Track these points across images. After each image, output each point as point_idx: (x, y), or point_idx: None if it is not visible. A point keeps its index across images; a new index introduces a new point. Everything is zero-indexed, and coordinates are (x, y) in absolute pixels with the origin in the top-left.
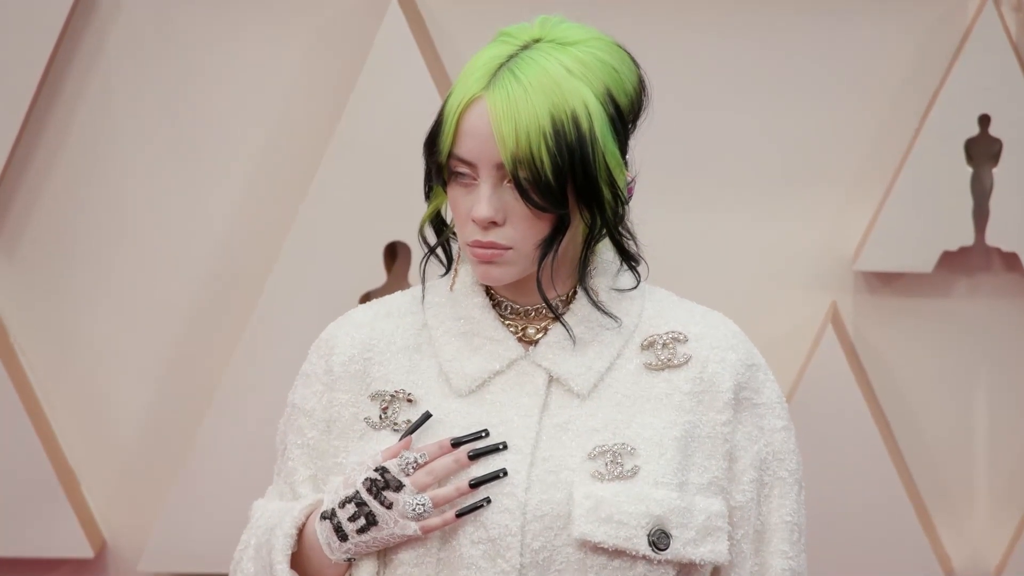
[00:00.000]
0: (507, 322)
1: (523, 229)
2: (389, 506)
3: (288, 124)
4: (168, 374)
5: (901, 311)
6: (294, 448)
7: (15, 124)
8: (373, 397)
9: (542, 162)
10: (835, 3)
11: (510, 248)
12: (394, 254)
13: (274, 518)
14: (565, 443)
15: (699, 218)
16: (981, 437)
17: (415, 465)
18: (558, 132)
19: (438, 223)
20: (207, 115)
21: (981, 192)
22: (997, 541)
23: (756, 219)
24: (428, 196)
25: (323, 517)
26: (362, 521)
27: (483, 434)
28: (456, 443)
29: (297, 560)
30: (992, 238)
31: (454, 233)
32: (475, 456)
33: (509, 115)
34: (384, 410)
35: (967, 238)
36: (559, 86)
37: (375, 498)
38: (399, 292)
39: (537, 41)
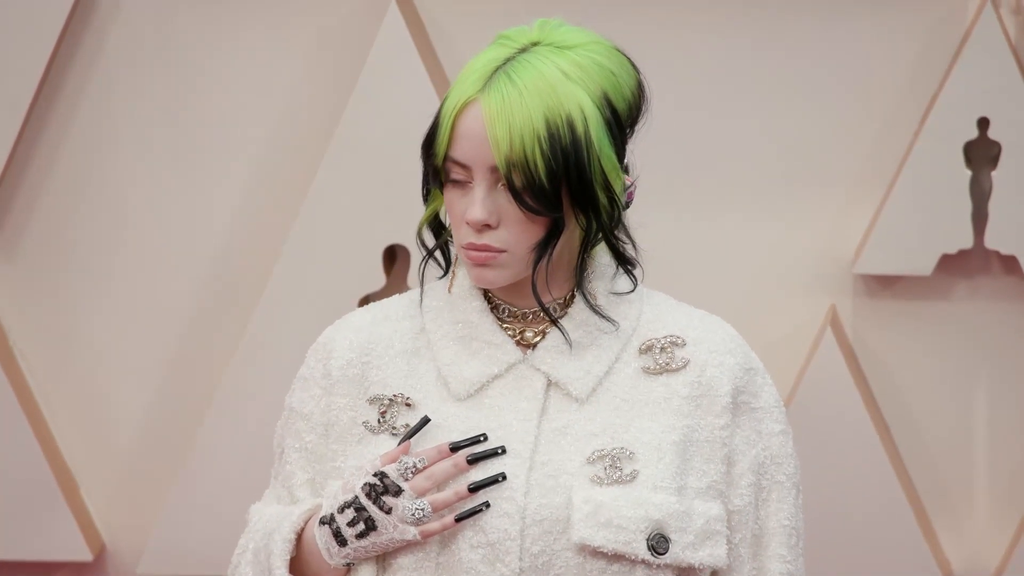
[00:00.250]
0: (505, 325)
1: (517, 232)
2: (388, 511)
3: (288, 126)
4: (168, 376)
5: (900, 314)
6: (292, 452)
7: (15, 125)
8: (371, 401)
9: (536, 165)
10: (834, 6)
11: (504, 251)
12: (393, 257)
13: (272, 523)
14: (564, 447)
15: (698, 220)
16: (980, 440)
17: (414, 470)
18: (552, 136)
19: (436, 225)
20: (207, 117)
21: (980, 195)
22: (996, 544)
23: (755, 221)
24: (426, 198)
25: (322, 522)
26: (361, 526)
27: (481, 438)
28: (455, 447)
29: (296, 565)
30: (991, 241)
31: (452, 235)
32: (474, 460)
33: (503, 118)
34: (382, 414)
35: (966, 241)
36: (554, 89)
37: (374, 503)
38: (397, 295)
39: (535, 44)
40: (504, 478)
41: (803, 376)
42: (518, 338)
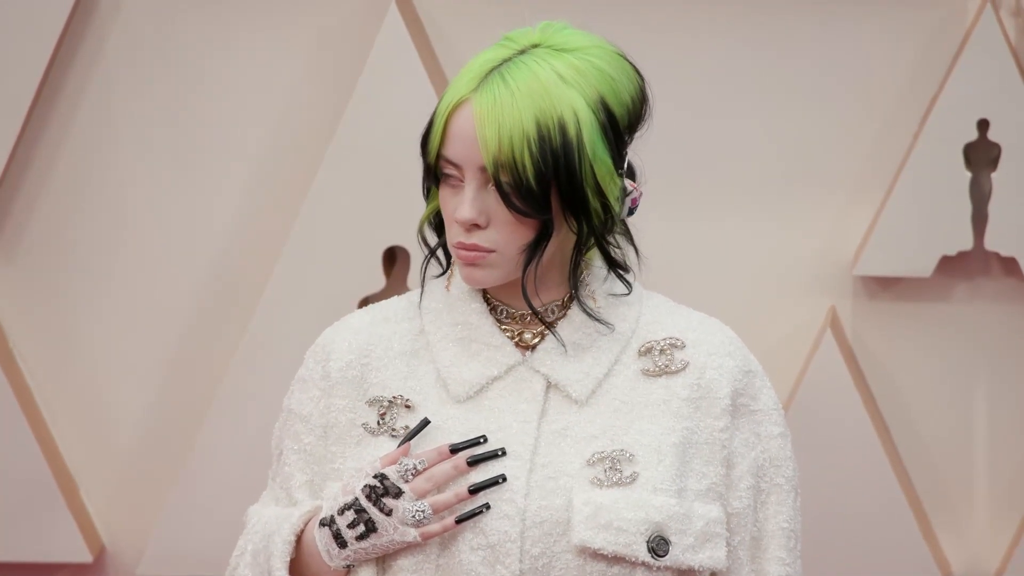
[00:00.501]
0: (503, 327)
1: (506, 233)
2: (389, 513)
3: (288, 127)
4: (168, 378)
5: (900, 315)
6: (290, 453)
7: (15, 126)
8: (371, 403)
9: (524, 167)
10: (834, 8)
11: (493, 251)
12: (393, 258)
13: (272, 524)
14: (564, 449)
15: (698, 222)
16: (980, 441)
17: (414, 471)
18: (543, 138)
19: (438, 223)
20: (207, 118)
21: (980, 196)
22: (996, 545)
23: (755, 223)
24: (427, 196)
25: (322, 524)
26: (361, 528)
27: (481, 440)
28: (455, 449)
29: (295, 567)
30: (991, 242)
31: None
32: (474, 462)
33: (493, 118)
34: (382, 416)
35: (966, 242)
36: (548, 91)
37: (374, 505)
38: (396, 297)
39: (536, 46)
40: (504, 480)
41: (803, 377)
42: (517, 340)
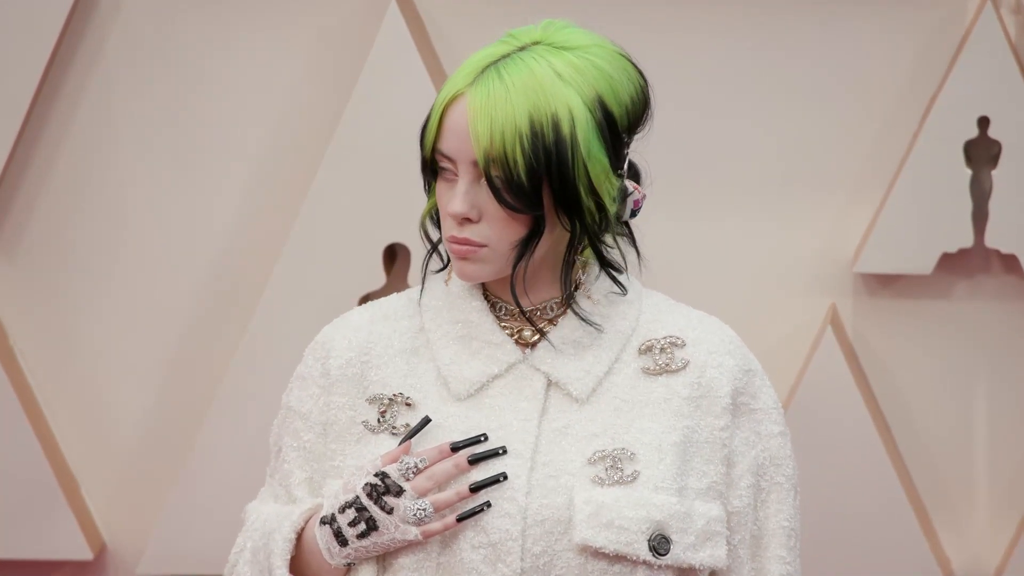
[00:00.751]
0: (503, 324)
1: (498, 228)
2: (390, 511)
3: (288, 126)
4: (168, 376)
5: (900, 313)
6: (290, 451)
7: (14, 126)
8: (371, 400)
9: (515, 162)
10: (834, 6)
11: (484, 246)
12: (393, 256)
13: (272, 522)
14: (565, 448)
15: (699, 220)
16: (981, 439)
17: (415, 470)
18: (535, 134)
19: (440, 218)
20: (207, 117)
21: (980, 194)
22: (997, 543)
23: (756, 221)
24: (428, 191)
25: (323, 522)
26: (362, 526)
27: (482, 438)
28: (455, 447)
29: (295, 565)
30: (991, 240)
31: None
32: (475, 460)
33: (485, 113)
34: (382, 414)
35: (966, 240)
36: (543, 88)
37: (375, 503)
38: (395, 294)
39: (536, 44)
40: (505, 478)
41: (803, 375)
42: (516, 337)
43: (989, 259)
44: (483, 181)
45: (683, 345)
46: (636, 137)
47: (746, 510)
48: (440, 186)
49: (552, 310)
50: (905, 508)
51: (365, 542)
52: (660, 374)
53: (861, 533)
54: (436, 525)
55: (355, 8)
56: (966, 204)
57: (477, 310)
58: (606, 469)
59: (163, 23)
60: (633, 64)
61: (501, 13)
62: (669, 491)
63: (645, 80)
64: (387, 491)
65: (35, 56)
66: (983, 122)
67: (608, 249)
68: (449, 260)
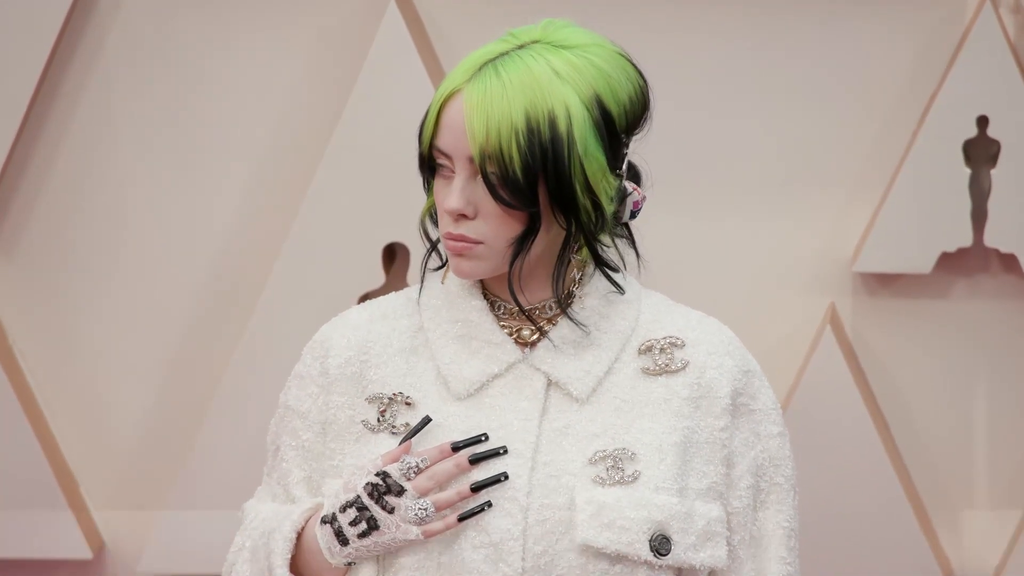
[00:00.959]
0: (502, 323)
1: (494, 225)
2: (391, 511)
3: (287, 126)
4: (168, 376)
5: (900, 312)
6: (288, 450)
7: (14, 125)
8: (370, 400)
9: (511, 159)
10: (834, 6)
11: (480, 243)
12: (392, 255)
13: (272, 521)
14: (565, 448)
15: (698, 220)
16: (980, 438)
17: (416, 469)
18: (531, 131)
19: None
20: (206, 117)
21: (979, 193)
22: (996, 543)
23: (755, 221)
24: (428, 189)
25: (323, 521)
26: (363, 526)
27: (483, 438)
28: (456, 447)
29: (295, 564)
30: (990, 239)
31: None
32: (476, 460)
33: (482, 109)
34: (382, 413)
35: (965, 239)
36: (540, 85)
37: (377, 503)
38: (393, 293)
39: (535, 42)
40: (506, 477)
41: (803, 374)
42: (515, 336)
43: (988, 258)
44: (479, 178)
45: (683, 345)
46: (635, 137)
47: (746, 510)
48: (438, 183)
49: (551, 309)
50: (904, 507)
51: (366, 541)
52: (660, 374)
53: (860, 532)
54: (437, 525)
55: (354, 8)
56: (965, 203)
57: (477, 309)
58: (607, 469)
59: (163, 23)
60: (633, 64)
61: (501, 13)
62: (670, 491)
63: (644, 80)
64: (388, 490)
65: (34, 55)
66: (982, 121)
67: (604, 248)
68: (448, 258)
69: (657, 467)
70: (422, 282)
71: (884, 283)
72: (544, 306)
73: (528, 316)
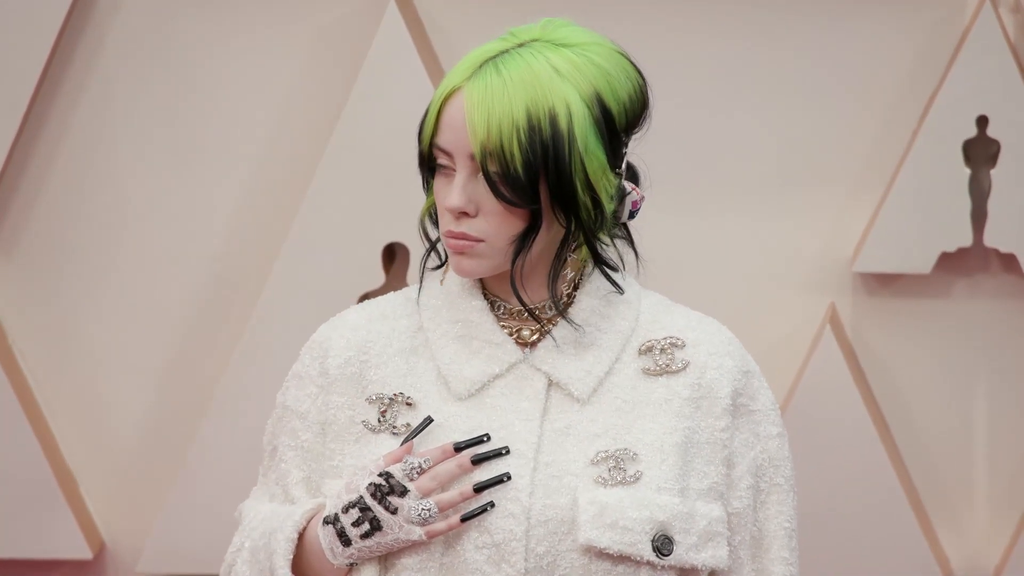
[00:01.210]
0: (502, 324)
1: (495, 223)
2: (394, 511)
3: (287, 125)
4: (167, 376)
5: (899, 312)
6: (287, 450)
7: (13, 124)
8: (370, 400)
9: (512, 155)
10: (834, 5)
11: (481, 241)
12: (392, 255)
13: (273, 522)
14: (567, 448)
15: (698, 219)
16: (980, 438)
17: (419, 470)
18: (532, 128)
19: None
20: (206, 116)
21: (979, 193)
22: (996, 542)
23: (755, 220)
24: (427, 188)
25: (326, 522)
26: (366, 526)
27: (485, 438)
28: (458, 447)
29: (296, 565)
30: (990, 239)
31: None
32: (478, 460)
33: (483, 106)
34: (383, 413)
35: (965, 239)
36: (541, 82)
37: (380, 503)
38: (392, 293)
39: (535, 41)
40: (509, 478)
41: (802, 374)
42: (515, 336)
43: (988, 258)
44: (480, 175)
45: (683, 346)
46: (635, 136)
47: (746, 511)
48: (438, 182)
49: (550, 309)
50: (904, 507)
51: (369, 542)
52: (660, 375)
53: (860, 532)
54: (440, 525)
55: (354, 7)
56: (965, 203)
57: (477, 309)
58: (609, 470)
59: (162, 23)
60: (632, 63)
61: (500, 12)
62: (672, 492)
63: (644, 79)
64: (391, 491)
65: (34, 55)
66: (982, 121)
67: (604, 247)
68: (447, 258)
69: (659, 467)
70: (421, 282)
71: (884, 283)
72: (544, 306)
73: (532, 314)
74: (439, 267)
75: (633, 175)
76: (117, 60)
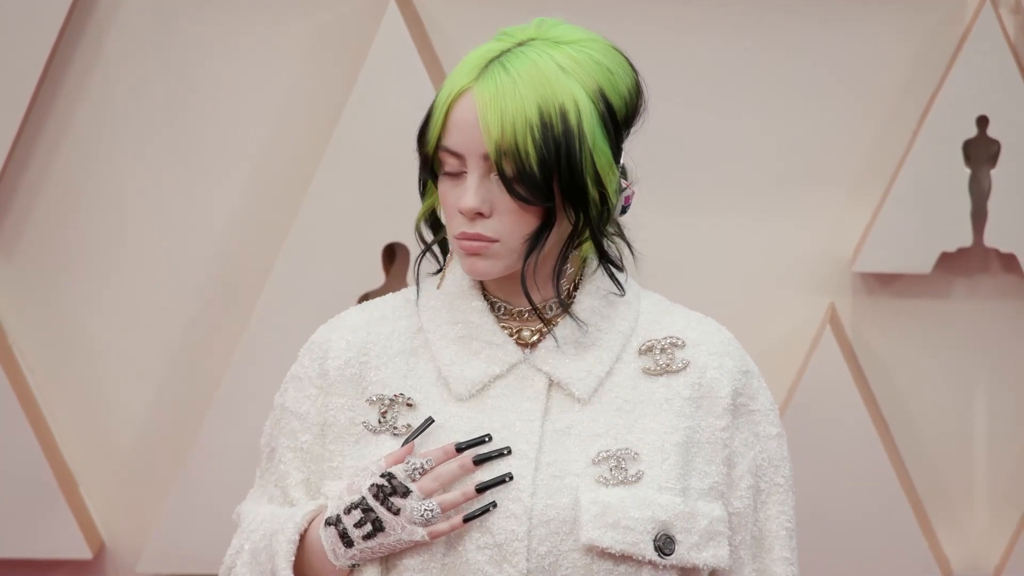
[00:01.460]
0: (502, 324)
1: (510, 223)
2: (396, 512)
3: (287, 125)
4: (167, 375)
5: (899, 312)
6: (286, 451)
7: (14, 124)
8: (371, 401)
9: (527, 154)
10: (834, 5)
11: (496, 241)
12: (392, 255)
13: (273, 523)
14: (568, 448)
15: (698, 220)
16: (980, 438)
17: (421, 471)
18: (545, 125)
19: (435, 221)
20: (206, 116)
21: (979, 193)
22: (996, 542)
23: (755, 221)
24: (423, 193)
25: (328, 523)
26: (368, 527)
27: (486, 439)
28: (460, 448)
29: (297, 566)
30: (990, 239)
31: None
32: (480, 461)
33: (496, 105)
34: (383, 414)
35: (965, 239)
36: (549, 80)
37: (382, 504)
38: (390, 295)
39: (532, 40)
40: (511, 478)
41: (802, 374)
42: (515, 337)
43: (988, 258)
44: (493, 175)
45: (683, 346)
46: (632, 131)
47: (746, 511)
48: (444, 185)
49: (551, 310)
50: (904, 507)
51: (371, 543)
52: (661, 374)
53: (860, 533)
54: (443, 526)
55: (354, 7)
56: (965, 203)
57: (477, 310)
58: (610, 469)
59: (162, 23)
60: (626, 58)
61: (500, 13)
62: (673, 491)
63: (637, 73)
64: (394, 492)
65: (34, 55)
66: (982, 121)
67: (610, 244)
68: (444, 263)
69: (660, 467)
70: (418, 285)
71: (884, 283)
72: (544, 307)
73: (537, 310)
74: (436, 272)
75: (622, 170)
76: (117, 60)
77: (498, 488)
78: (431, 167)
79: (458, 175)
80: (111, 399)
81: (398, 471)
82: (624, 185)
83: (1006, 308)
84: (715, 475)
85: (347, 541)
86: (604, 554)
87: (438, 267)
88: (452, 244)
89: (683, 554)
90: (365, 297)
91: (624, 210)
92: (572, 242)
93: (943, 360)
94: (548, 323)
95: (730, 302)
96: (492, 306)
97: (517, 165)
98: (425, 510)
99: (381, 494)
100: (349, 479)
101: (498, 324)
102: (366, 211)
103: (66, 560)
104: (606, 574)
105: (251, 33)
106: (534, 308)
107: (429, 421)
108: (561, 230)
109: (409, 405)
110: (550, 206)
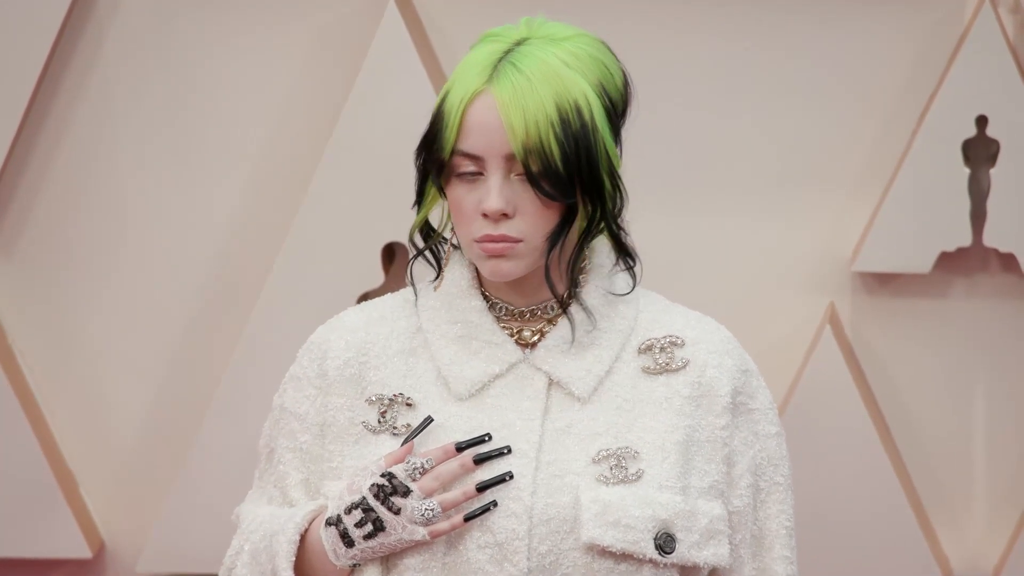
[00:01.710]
0: (502, 324)
1: (533, 221)
2: (397, 511)
3: (286, 125)
4: (167, 375)
5: (899, 312)
6: (285, 452)
7: (13, 124)
8: (370, 401)
9: (551, 151)
10: (834, 5)
11: (520, 240)
12: (392, 255)
13: (273, 524)
14: (569, 447)
15: (697, 220)
16: (979, 438)
17: (421, 470)
18: (564, 121)
19: (427, 230)
20: (205, 116)
21: (978, 193)
22: (995, 542)
23: (754, 220)
24: (419, 204)
25: (328, 523)
26: (369, 527)
27: (486, 438)
28: (460, 447)
29: (297, 567)
30: (989, 239)
31: (444, 238)
32: (480, 460)
33: (517, 105)
34: (383, 414)
35: (964, 239)
36: (560, 77)
37: (383, 504)
38: (389, 295)
39: (528, 39)
40: (511, 477)
41: (802, 374)
42: (516, 337)
43: (987, 258)
44: (512, 176)
45: (683, 345)
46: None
47: (746, 510)
48: (459, 190)
49: (552, 309)
50: (904, 507)
51: (372, 543)
52: (660, 373)
53: (860, 533)
54: (444, 525)
55: (354, 7)
56: (964, 203)
57: (476, 310)
58: (611, 468)
59: (162, 23)
60: (611, 52)
61: (500, 13)
62: (673, 490)
63: (622, 65)
64: (394, 491)
65: (34, 55)
66: (981, 121)
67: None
68: (441, 269)
69: (660, 465)
70: (414, 288)
71: (883, 283)
72: (545, 307)
73: (561, 301)
74: (434, 280)
75: None
76: (117, 60)
77: (498, 487)
78: (439, 173)
79: (474, 178)
80: (111, 399)
81: (398, 471)
82: None
83: (1005, 308)
84: (715, 474)
85: (348, 541)
86: (605, 553)
87: (436, 273)
88: (469, 248)
89: (684, 552)
90: (365, 297)
91: None
92: (588, 235)
93: (943, 360)
94: (549, 322)
95: (730, 302)
96: (493, 306)
97: (543, 163)
98: (426, 509)
99: (382, 494)
100: (349, 479)
101: (498, 324)
102: (366, 211)
103: (66, 560)
104: (607, 573)
105: (251, 33)
106: (559, 302)
107: (428, 420)
108: (577, 224)
109: (409, 405)
110: (572, 202)
